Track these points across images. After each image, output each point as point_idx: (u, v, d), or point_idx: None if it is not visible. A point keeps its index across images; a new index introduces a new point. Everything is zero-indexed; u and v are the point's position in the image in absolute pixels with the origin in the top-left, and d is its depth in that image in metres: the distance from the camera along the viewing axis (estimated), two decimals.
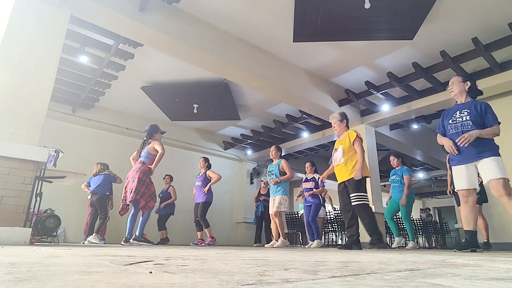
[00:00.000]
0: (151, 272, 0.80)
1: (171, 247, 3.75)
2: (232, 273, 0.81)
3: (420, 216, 12.68)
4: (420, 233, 9.40)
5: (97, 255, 1.52)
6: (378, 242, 3.56)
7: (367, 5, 3.88)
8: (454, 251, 2.95)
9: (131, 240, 4.21)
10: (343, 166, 3.82)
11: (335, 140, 4.27)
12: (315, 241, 5.69)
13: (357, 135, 3.85)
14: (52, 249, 2.08)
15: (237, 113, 7.32)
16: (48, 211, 3.94)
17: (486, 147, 2.80)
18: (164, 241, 6.36)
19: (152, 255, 1.60)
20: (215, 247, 4.88)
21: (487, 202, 4.77)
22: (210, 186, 5.73)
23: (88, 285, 0.58)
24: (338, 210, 7.60)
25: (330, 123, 4.22)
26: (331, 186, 6.91)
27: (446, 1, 4.10)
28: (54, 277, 0.68)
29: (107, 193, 5.58)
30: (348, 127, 4.08)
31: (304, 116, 7.13)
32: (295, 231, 8.94)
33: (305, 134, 8.19)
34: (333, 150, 4.10)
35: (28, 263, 0.97)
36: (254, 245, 7.07)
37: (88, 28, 4.49)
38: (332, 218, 8.15)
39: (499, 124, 2.88)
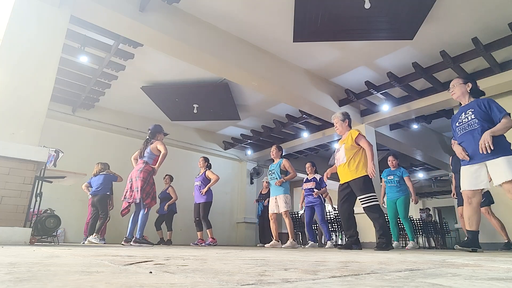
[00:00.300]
0: (151, 272, 0.80)
1: (171, 247, 3.75)
2: (232, 273, 0.81)
3: (420, 216, 12.68)
4: (420, 233, 9.40)
5: (97, 255, 1.52)
6: (386, 247, 3.44)
7: (367, 5, 3.87)
8: (456, 246, 2.94)
9: (131, 243, 4.20)
10: (346, 166, 3.78)
11: (336, 140, 4.26)
12: (328, 241, 5.71)
13: (359, 133, 3.83)
14: (52, 249, 2.08)
15: (237, 113, 7.32)
16: (48, 211, 3.94)
17: (496, 146, 2.70)
18: (167, 242, 6.39)
19: (152, 255, 1.60)
20: (215, 247, 4.88)
21: (494, 203, 4.75)
22: (209, 186, 5.72)
23: (88, 285, 0.58)
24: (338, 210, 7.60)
25: (330, 123, 4.21)
26: (331, 186, 6.91)
27: (446, 1, 4.10)
28: (54, 277, 0.68)
29: (108, 193, 5.58)
30: (350, 127, 4.06)
31: (304, 116, 7.13)
32: (295, 231, 8.93)
33: (305, 134, 8.18)
34: (336, 150, 4.09)
35: (28, 263, 0.97)
36: (258, 245, 7.08)
37: (88, 28, 4.49)
38: (332, 218, 8.15)
39: (509, 115, 2.77)
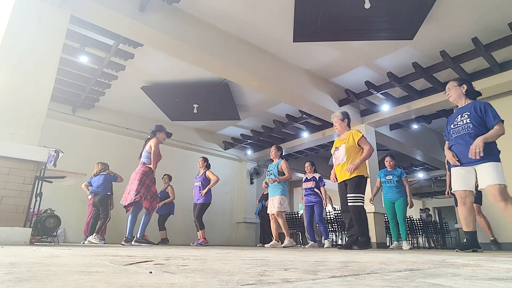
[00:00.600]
0: (151, 272, 0.80)
1: (171, 247, 3.75)
2: (232, 273, 0.81)
3: (420, 216, 12.68)
4: (420, 233, 9.40)
5: (97, 255, 1.52)
6: (365, 246, 3.56)
7: (367, 5, 3.88)
8: (456, 251, 2.96)
9: (132, 242, 4.20)
10: (345, 165, 3.80)
11: (335, 140, 4.25)
12: (325, 241, 5.70)
13: (362, 135, 3.85)
14: (52, 249, 2.08)
15: (237, 113, 7.32)
16: (48, 211, 3.94)
17: (486, 152, 2.78)
18: (164, 241, 6.37)
19: (152, 255, 1.60)
20: (215, 247, 4.88)
21: (482, 205, 4.80)
22: (209, 187, 5.72)
23: (88, 285, 0.58)
24: (338, 210, 7.60)
25: (330, 123, 4.22)
26: (331, 186, 6.91)
27: (446, 1, 4.10)
28: (54, 277, 0.68)
29: (108, 193, 5.58)
30: (349, 127, 4.07)
31: (304, 116, 7.13)
32: (295, 231, 8.94)
33: (305, 134, 8.18)
34: (334, 149, 4.08)
35: (28, 263, 0.97)
36: (258, 245, 7.08)
37: (88, 28, 4.49)
38: (332, 218, 8.15)
39: (502, 122, 2.83)
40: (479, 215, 4.77)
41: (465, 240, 2.96)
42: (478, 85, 5.08)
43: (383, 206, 5.64)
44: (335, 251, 2.95)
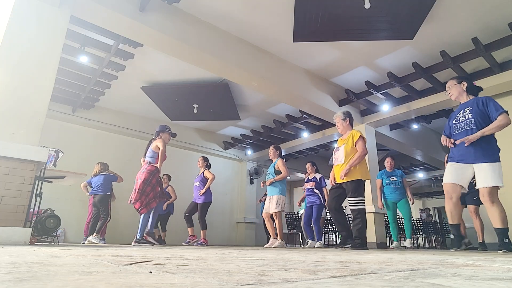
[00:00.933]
0: (151, 272, 0.80)
1: (171, 247, 3.75)
2: (232, 273, 0.81)
3: (420, 216, 12.68)
4: (420, 233, 9.39)
5: (97, 255, 1.52)
6: (360, 247, 3.57)
7: (367, 5, 3.87)
8: (455, 250, 2.98)
9: (132, 243, 4.22)
10: (343, 166, 3.79)
11: (336, 140, 4.25)
12: (317, 242, 5.69)
13: (360, 135, 3.82)
14: (52, 249, 2.08)
15: (237, 113, 7.32)
16: (48, 211, 3.94)
17: (483, 152, 2.81)
18: (160, 241, 6.37)
19: (152, 255, 1.60)
20: (215, 247, 4.88)
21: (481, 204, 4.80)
22: (207, 187, 5.71)
23: (88, 285, 0.58)
24: None
25: (330, 123, 4.22)
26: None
27: (446, 1, 4.10)
28: (54, 277, 0.68)
29: (108, 193, 5.58)
30: (352, 126, 4.06)
31: (304, 116, 7.13)
32: (295, 231, 8.94)
33: (305, 134, 8.18)
34: (335, 148, 4.08)
35: (28, 263, 0.97)
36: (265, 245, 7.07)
37: (88, 28, 4.49)
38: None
39: (507, 113, 2.80)
40: (477, 217, 4.78)
41: (452, 236, 3.05)
42: (478, 85, 5.07)
43: (384, 207, 5.63)
44: (335, 251, 2.95)
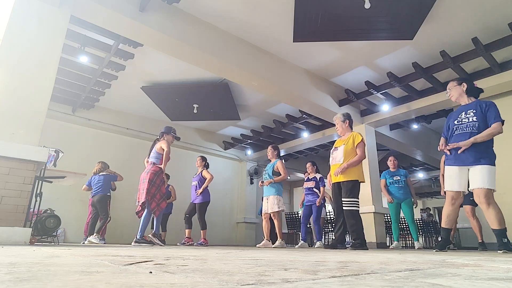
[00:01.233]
0: (151, 272, 0.80)
1: (171, 247, 3.75)
2: (232, 273, 0.81)
3: (421, 216, 12.67)
4: (420, 233, 9.38)
5: (97, 255, 1.52)
6: (360, 247, 3.59)
7: (367, 5, 3.87)
8: (436, 251, 3.05)
9: (132, 243, 4.23)
10: (341, 166, 3.82)
11: (335, 140, 4.26)
12: (317, 242, 5.70)
13: (362, 139, 3.86)
14: (52, 249, 2.08)
15: (237, 113, 7.32)
16: (48, 211, 3.94)
17: (482, 155, 2.83)
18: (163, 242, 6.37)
19: (152, 255, 1.60)
20: (215, 247, 4.88)
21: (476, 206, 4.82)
22: (205, 187, 5.70)
23: (88, 285, 0.58)
24: None
25: (330, 123, 4.23)
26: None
27: (446, 1, 4.10)
28: (54, 277, 0.68)
29: (108, 194, 5.59)
30: (351, 128, 4.08)
31: (304, 116, 7.13)
32: (295, 231, 8.94)
33: (305, 134, 8.18)
34: (333, 148, 4.08)
35: (28, 263, 0.97)
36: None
37: (88, 28, 4.49)
38: (332, 218, 8.15)
39: (502, 123, 2.85)
40: (474, 217, 4.79)
41: (439, 239, 3.07)
42: (478, 85, 5.06)
43: (387, 206, 5.63)
44: (335, 251, 2.95)
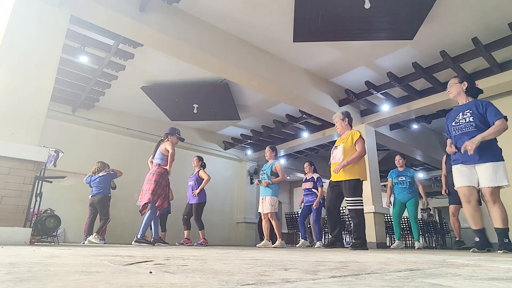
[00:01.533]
0: (151, 272, 0.80)
1: (171, 247, 3.75)
2: (232, 273, 0.81)
3: (422, 216, 12.66)
4: (420, 233, 9.38)
5: (97, 255, 1.52)
6: (360, 247, 3.58)
7: (367, 5, 3.87)
8: (473, 251, 2.91)
9: (132, 243, 4.24)
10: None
11: (336, 140, 4.26)
12: (317, 242, 5.70)
13: (360, 135, 3.84)
14: (52, 249, 2.08)
15: (237, 113, 7.32)
16: (48, 211, 3.94)
17: (485, 151, 2.80)
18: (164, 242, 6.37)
19: (152, 255, 1.60)
20: (215, 247, 4.88)
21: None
22: (201, 187, 5.70)
23: (88, 285, 0.58)
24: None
25: (330, 123, 4.22)
26: None
27: (446, 1, 4.10)
28: (54, 277, 0.68)
29: (109, 195, 5.60)
30: (351, 126, 4.07)
31: (304, 116, 7.13)
32: (295, 231, 8.94)
33: (305, 134, 8.18)
34: (333, 147, 4.08)
35: (28, 263, 0.97)
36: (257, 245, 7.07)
37: (88, 28, 4.49)
38: None
39: (505, 119, 2.82)
40: (455, 217, 4.82)
41: (477, 239, 2.94)
42: (477, 84, 5.07)
43: (387, 206, 5.64)
44: (335, 251, 2.95)
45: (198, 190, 5.63)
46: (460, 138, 2.98)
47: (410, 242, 8.74)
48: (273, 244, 5.11)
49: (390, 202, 5.62)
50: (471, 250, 3.01)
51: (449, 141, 3.13)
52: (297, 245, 5.79)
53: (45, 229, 3.47)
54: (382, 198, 6.73)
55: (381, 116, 6.72)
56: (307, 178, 6.04)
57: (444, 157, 5.27)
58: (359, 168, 3.73)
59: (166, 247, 3.70)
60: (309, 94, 5.90)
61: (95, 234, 5.12)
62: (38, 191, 3.12)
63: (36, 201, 3.07)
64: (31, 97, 3.11)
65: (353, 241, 3.69)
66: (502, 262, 1.38)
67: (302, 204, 6.12)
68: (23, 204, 2.82)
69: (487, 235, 2.94)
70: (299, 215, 6.13)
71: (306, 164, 6.13)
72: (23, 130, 2.97)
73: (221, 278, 0.71)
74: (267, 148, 5.36)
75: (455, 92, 3.14)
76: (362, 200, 3.70)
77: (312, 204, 5.76)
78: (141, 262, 1.10)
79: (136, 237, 4.23)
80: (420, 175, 12.23)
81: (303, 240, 5.74)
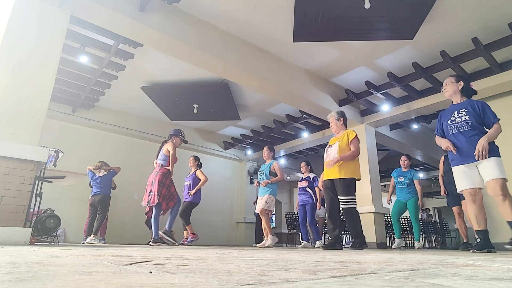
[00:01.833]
0: (151, 272, 0.80)
1: (171, 247, 3.75)
2: (232, 273, 0.81)
3: (421, 216, 12.67)
4: (421, 233, 9.38)
5: (97, 255, 1.52)
6: (360, 246, 3.57)
7: (367, 5, 3.87)
8: (472, 251, 2.90)
9: (150, 243, 4.32)
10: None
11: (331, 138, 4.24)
12: (317, 242, 5.70)
13: (356, 135, 3.84)
14: (52, 249, 2.08)
15: (237, 113, 7.32)
16: (48, 211, 3.94)
17: (489, 147, 2.80)
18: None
19: (152, 255, 1.60)
20: (215, 247, 4.88)
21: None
22: (198, 188, 5.67)
23: (88, 285, 0.58)
24: None
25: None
26: None
27: (446, 1, 4.10)
28: (54, 277, 0.68)
29: (110, 194, 5.61)
30: (345, 126, 4.06)
31: (304, 116, 7.13)
32: (295, 231, 8.94)
33: (305, 134, 8.19)
34: (327, 146, 4.06)
35: (28, 263, 0.97)
36: (254, 245, 7.06)
37: (88, 28, 4.49)
38: None
39: (499, 121, 2.89)
40: (459, 217, 4.82)
41: (478, 240, 2.93)
42: (478, 85, 5.08)
43: (386, 206, 5.67)
44: (335, 251, 2.95)
45: (194, 191, 5.58)
46: (457, 136, 2.99)
47: (410, 242, 8.74)
48: (261, 243, 5.08)
49: (390, 200, 5.66)
50: (471, 250, 2.99)
51: (444, 140, 3.07)
52: (299, 246, 5.79)
53: (45, 229, 3.47)
54: (382, 198, 6.73)
55: (381, 116, 6.72)
56: (303, 178, 6.06)
57: (442, 158, 5.27)
58: (352, 167, 3.73)
59: (165, 247, 3.70)
60: (309, 94, 5.90)
61: (92, 235, 5.11)
62: (38, 191, 3.12)
63: (36, 201, 3.07)
64: (31, 97, 3.11)
65: (352, 241, 3.69)
66: (502, 262, 1.38)
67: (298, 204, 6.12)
68: (23, 204, 2.82)
69: (489, 237, 2.92)
70: (298, 217, 6.12)
71: (302, 164, 6.15)
72: (23, 130, 2.97)
73: (221, 278, 0.71)
74: (265, 148, 5.37)
75: (451, 91, 3.15)
76: (355, 199, 3.70)
77: (307, 204, 5.76)
78: (141, 262, 1.10)
79: (153, 238, 4.34)
80: (420, 175, 12.23)
81: (305, 242, 5.73)
